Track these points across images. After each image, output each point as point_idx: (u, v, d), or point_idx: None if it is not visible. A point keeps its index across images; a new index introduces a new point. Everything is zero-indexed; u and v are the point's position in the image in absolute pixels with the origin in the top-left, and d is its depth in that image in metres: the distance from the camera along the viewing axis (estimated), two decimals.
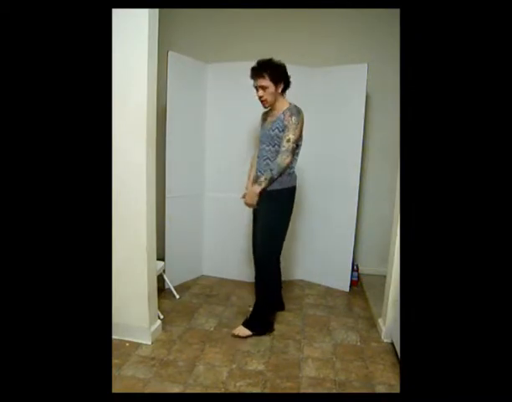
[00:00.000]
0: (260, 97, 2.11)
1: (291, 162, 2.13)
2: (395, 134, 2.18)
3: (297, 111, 2.08)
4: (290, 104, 2.13)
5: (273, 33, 3.07)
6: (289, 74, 2.13)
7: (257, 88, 2.11)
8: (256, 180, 2.18)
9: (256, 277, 2.29)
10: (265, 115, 2.27)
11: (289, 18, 3.06)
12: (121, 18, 1.77)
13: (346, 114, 2.83)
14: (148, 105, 1.90)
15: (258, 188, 2.08)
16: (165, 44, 2.32)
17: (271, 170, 2.08)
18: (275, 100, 2.14)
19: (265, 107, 2.19)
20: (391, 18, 2.76)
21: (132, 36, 1.84)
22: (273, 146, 2.14)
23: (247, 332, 2.23)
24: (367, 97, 2.80)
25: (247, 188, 2.33)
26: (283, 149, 2.07)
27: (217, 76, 2.90)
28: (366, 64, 2.68)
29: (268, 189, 2.12)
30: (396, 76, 1.83)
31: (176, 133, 2.72)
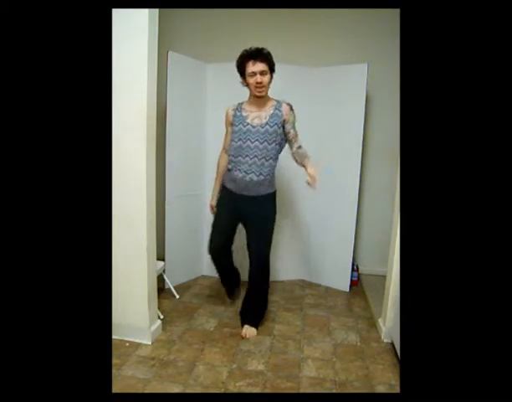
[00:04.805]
0: (259, 83, 2.00)
1: None
2: (395, 134, 2.18)
3: (292, 107, 2.12)
4: (276, 100, 2.13)
5: (273, 33, 3.06)
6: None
7: (252, 75, 2.00)
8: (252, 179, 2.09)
9: (259, 275, 2.24)
10: (246, 109, 2.14)
11: (289, 17, 3.06)
12: (121, 18, 1.77)
13: (346, 114, 2.82)
14: (148, 105, 1.90)
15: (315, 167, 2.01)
16: (165, 44, 2.32)
17: (306, 153, 2.10)
18: (267, 92, 2.08)
19: (260, 96, 2.06)
20: (391, 18, 2.76)
21: (132, 36, 1.83)
22: (276, 144, 2.10)
23: (255, 331, 2.27)
24: (367, 97, 2.80)
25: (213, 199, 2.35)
26: (301, 144, 2.12)
27: (217, 76, 2.90)
28: (365, 64, 2.68)
29: (267, 193, 2.15)
30: (396, 76, 1.83)
31: (176, 133, 2.72)
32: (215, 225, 2.31)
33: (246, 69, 2.02)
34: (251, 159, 2.08)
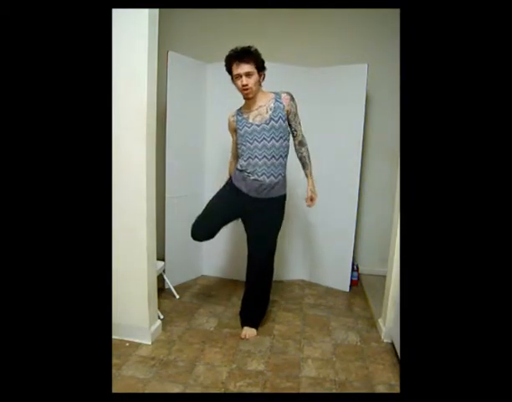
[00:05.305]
0: (244, 86, 1.93)
1: None
2: (395, 134, 2.18)
3: (293, 96, 2.04)
4: (274, 92, 2.05)
5: (273, 33, 3.07)
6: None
7: (237, 77, 1.95)
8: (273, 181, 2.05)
9: (259, 277, 2.21)
10: (245, 111, 2.09)
11: (289, 17, 3.06)
12: (121, 19, 1.77)
13: (346, 114, 2.82)
14: (148, 105, 1.90)
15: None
16: (165, 44, 2.32)
17: (309, 158, 2.16)
18: (257, 92, 2.00)
19: (248, 98, 2.02)
20: (391, 18, 2.76)
21: (132, 36, 1.83)
22: (284, 141, 2.04)
23: (255, 331, 2.26)
24: (367, 97, 2.80)
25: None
26: (304, 139, 2.13)
27: (217, 76, 2.89)
28: (365, 64, 2.68)
29: (278, 195, 2.12)
30: (396, 76, 1.83)
31: (176, 133, 2.72)
32: (210, 213, 2.18)
33: (232, 70, 1.97)
34: (260, 160, 2.02)
